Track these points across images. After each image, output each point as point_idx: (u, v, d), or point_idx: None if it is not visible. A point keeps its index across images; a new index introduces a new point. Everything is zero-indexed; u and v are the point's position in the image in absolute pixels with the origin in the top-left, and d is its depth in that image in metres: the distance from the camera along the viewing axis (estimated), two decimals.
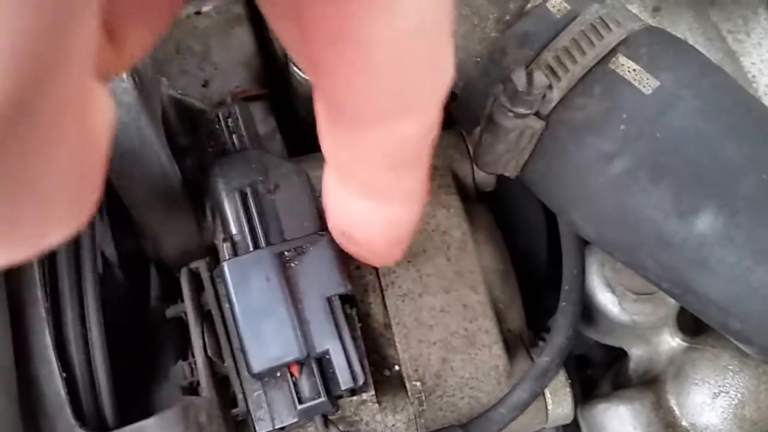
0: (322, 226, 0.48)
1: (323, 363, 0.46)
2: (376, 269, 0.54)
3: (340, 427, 0.49)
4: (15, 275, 0.41)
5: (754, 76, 0.69)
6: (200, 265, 0.49)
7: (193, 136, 0.58)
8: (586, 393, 0.71)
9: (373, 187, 0.34)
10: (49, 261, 0.44)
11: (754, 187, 0.41)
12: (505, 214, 0.67)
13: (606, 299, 0.59)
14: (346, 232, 0.38)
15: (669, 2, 0.66)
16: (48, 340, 0.41)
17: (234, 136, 0.53)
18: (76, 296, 0.44)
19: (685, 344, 0.58)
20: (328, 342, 0.45)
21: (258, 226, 0.48)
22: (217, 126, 0.54)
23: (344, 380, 0.45)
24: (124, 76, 0.43)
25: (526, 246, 0.71)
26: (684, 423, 0.55)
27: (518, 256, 0.65)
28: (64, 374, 0.42)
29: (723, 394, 0.54)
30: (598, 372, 0.74)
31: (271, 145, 0.64)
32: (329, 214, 0.37)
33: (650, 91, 0.43)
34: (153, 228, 0.54)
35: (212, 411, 0.45)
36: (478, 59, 0.50)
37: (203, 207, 0.55)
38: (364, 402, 0.50)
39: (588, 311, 0.61)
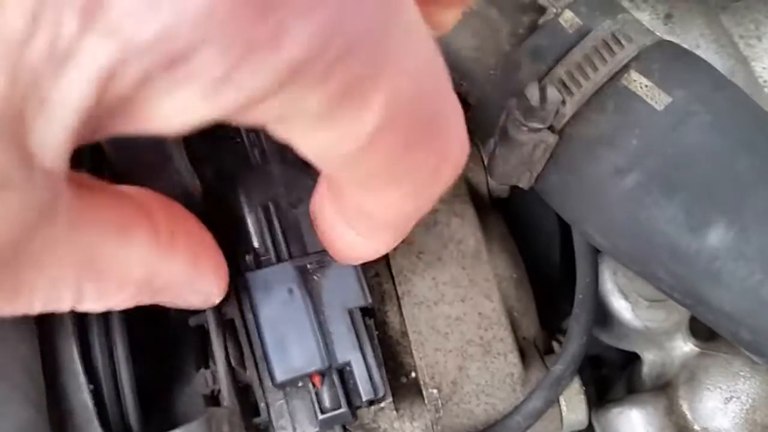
0: None
1: (344, 374, 0.47)
2: (392, 278, 0.55)
3: None
4: None
5: (765, 81, 0.70)
6: None
7: (212, 144, 0.59)
8: (600, 392, 0.72)
9: (368, 234, 0.39)
10: None
11: (765, 202, 0.42)
12: (520, 219, 0.68)
13: (620, 306, 0.60)
14: (334, 251, 0.43)
15: (681, 9, 0.67)
16: (75, 354, 0.43)
17: (255, 150, 0.54)
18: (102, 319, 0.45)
19: (697, 350, 0.59)
20: (349, 354, 0.46)
21: (281, 240, 0.50)
22: (239, 140, 0.55)
23: (365, 391, 0.46)
24: None
25: (540, 249, 0.72)
26: (696, 427, 0.56)
27: (533, 259, 0.66)
28: (91, 386, 0.43)
29: (735, 399, 0.55)
30: (613, 372, 0.75)
31: (289, 153, 0.65)
32: (321, 233, 0.43)
33: (662, 108, 0.44)
34: None
35: (234, 420, 0.46)
36: (492, 72, 0.51)
37: (223, 217, 0.57)
38: (382, 409, 0.52)
39: (602, 317, 0.62)
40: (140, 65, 0.21)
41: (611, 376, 0.75)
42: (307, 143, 0.28)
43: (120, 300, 0.35)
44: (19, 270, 0.29)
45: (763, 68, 0.70)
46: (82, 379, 0.42)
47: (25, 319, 0.41)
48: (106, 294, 0.34)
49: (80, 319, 0.44)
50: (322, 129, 0.26)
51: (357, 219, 0.38)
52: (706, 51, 0.66)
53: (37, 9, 0.20)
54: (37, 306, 0.31)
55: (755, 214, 0.42)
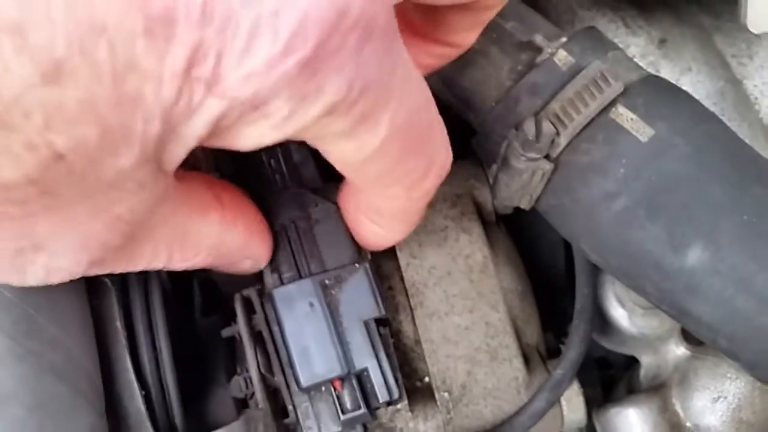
0: (357, 256, 0.55)
1: (362, 379, 0.52)
2: (405, 291, 0.60)
3: None
4: (98, 312, 0.49)
5: (756, 98, 0.74)
6: (251, 293, 0.55)
7: (240, 171, 0.64)
8: (607, 391, 0.77)
9: (383, 224, 0.50)
10: (122, 292, 0.51)
11: (736, 226, 0.47)
12: (527, 230, 0.73)
13: (617, 314, 0.65)
14: (360, 240, 0.54)
15: (674, 34, 0.71)
16: (129, 365, 0.48)
17: (277, 175, 0.60)
18: (147, 324, 0.51)
19: (689, 353, 0.64)
20: (366, 361, 0.52)
21: (302, 258, 0.55)
22: (263, 166, 0.60)
23: (381, 394, 0.52)
24: None
25: (546, 258, 0.77)
26: (688, 424, 0.61)
27: (540, 267, 0.71)
28: (143, 392, 0.49)
29: (722, 399, 0.60)
30: (618, 372, 0.80)
31: (306, 171, 0.70)
32: (350, 227, 0.54)
33: (646, 139, 0.49)
34: None
35: (268, 421, 0.51)
36: (494, 104, 0.56)
37: None
38: (398, 411, 0.57)
39: (603, 324, 0.68)
40: (239, 111, 0.31)
41: (617, 376, 0.80)
42: (334, 152, 0.39)
43: (196, 262, 0.46)
44: (139, 241, 0.39)
45: (755, 86, 0.74)
46: (135, 386, 0.48)
47: (86, 334, 0.46)
48: (188, 258, 0.45)
49: (131, 334, 0.50)
50: (346, 141, 0.37)
51: (372, 213, 0.50)
52: (698, 73, 0.70)
53: (182, 84, 0.29)
54: (140, 266, 0.42)
55: (728, 237, 0.47)
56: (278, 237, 0.56)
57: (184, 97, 0.30)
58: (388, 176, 0.42)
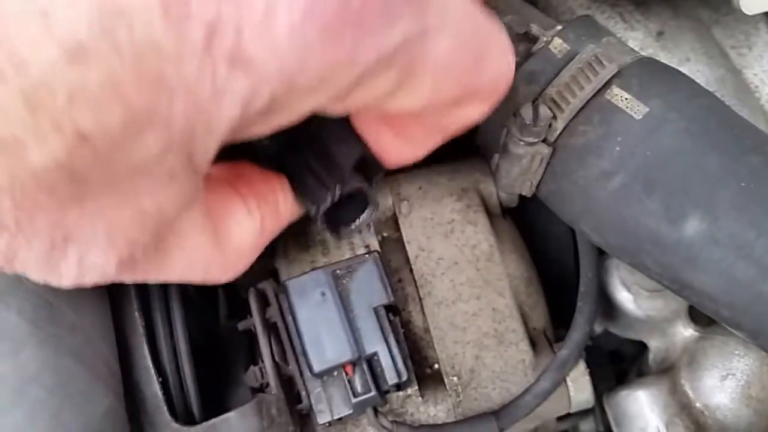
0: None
1: (373, 363, 0.54)
2: (414, 282, 0.62)
3: (389, 418, 0.57)
4: (117, 302, 0.51)
5: (756, 87, 0.75)
6: (266, 285, 0.57)
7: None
8: (622, 383, 0.78)
9: (422, 142, 0.49)
10: (142, 287, 0.53)
11: (733, 194, 0.48)
12: (535, 224, 0.74)
13: (623, 297, 0.66)
14: (391, 159, 0.50)
15: (671, 26, 0.73)
16: (146, 352, 0.50)
17: None
18: (166, 315, 0.53)
19: (697, 334, 0.65)
20: (376, 345, 0.54)
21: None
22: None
23: (390, 377, 0.53)
24: None
25: (554, 250, 0.78)
26: (698, 404, 0.62)
27: (549, 259, 0.72)
28: (160, 378, 0.50)
29: (730, 376, 0.60)
30: (631, 365, 0.81)
31: None
32: (381, 152, 0.50)
33: (640, 117, 0.50)
34: None
35: (281, 406, 0.53)
36: None
37: None
38: (409, 396, 0.58)
39: (610, 309, 0.69)
40: (269, 89, 0.31)
41: (630, 369, 0.81)
42: (388, 109, 0.39)
43: (242, 267, 0.46)
44: (166, 248, 0.39)
45: (754, 74, 0.76)
46: (152, 372, 0.50)
47: (105, 322, 0.48)
48: (229, 268, 0.45)
49: (149, 322, 0.52)
50: (395, 99, 0.38)
51: (404, 135, 0.48)
52: (697, 63, 0.72)
53: (203, 61, 0.29)
54: (177, 275, 0.42)
55: (725, 206, 0.48)
56: None
57: (207, 75, 0.30)
58: (454, 102, 0.42)
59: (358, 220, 0.55)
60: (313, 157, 0.51)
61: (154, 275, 0.41)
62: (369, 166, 0.51)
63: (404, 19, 0.33)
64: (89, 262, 0.36)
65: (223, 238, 0.43)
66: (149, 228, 0.36)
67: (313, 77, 0.32)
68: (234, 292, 0.71)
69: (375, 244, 0.62)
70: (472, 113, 0.44)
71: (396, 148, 0.49)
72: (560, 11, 0.74)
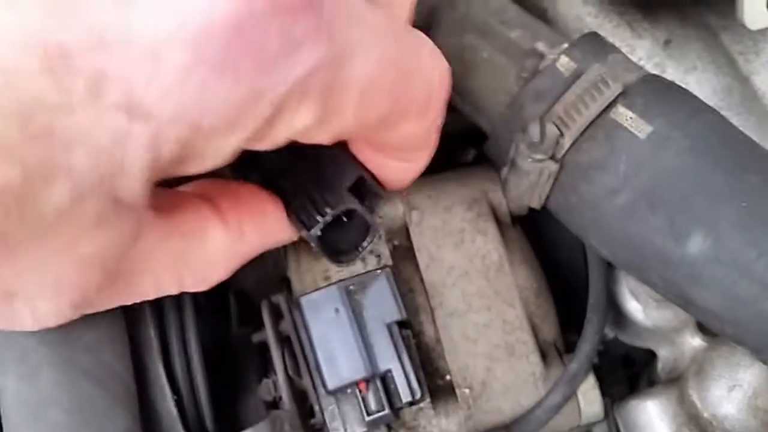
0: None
1: (386, 380, 0.55)
2: (425, 292, 0.63)
3: None
4: (132, 320, 0.52)
5: (764, 93, 0.75)
6: (279, 299, 0.58)
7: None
8: (633, 388, 0.78)
9: (404, 158, 0.50)
10: (156, 304, 0.54)
11: (735, 213, 0.48)
12: (545, 232, 0.75)
13: (632, 307, 0.67)
14: (391, 182, 0.53)
15: (678, 35, 0.73)
16: (161, 370, 0.51)
17: None
18: (180, 330, 0.54)
19: (705, 344, 0.66)
20: (389, 363, 0.55)
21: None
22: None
23: (404, 395, 0.54)
24: None
25: (565, 261, 0.79)
26: (705, 414, 0.62)
27: (560, 270, 0.73)
28: (174, 396, 0.51)
29: (737, 387, 0.61)
30: (642, 369, 0.81)
31: None
32: (380, 176, 0.52)
33: (644, 136, 0.51)
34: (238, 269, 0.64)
35: (294, 422, 0.54)
36: (502, 110, 0.58)
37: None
38: (421, 409, 0.59)
39: (619, 318, 0.69)
40: (175, 134, 0.32)
41: (641, 374, 0.81)
42: (325, 135, 0.40)
43: (218, 278, 0.47)
44: (131, 275, 0.40)
45: (762, 81, 0.76)
46: (167, 390, 0.51)
47: (120, 341, 0.49)
48: (205, 278, 0.46)
49: (163, 339, 0.53)
50: (327, 124, 0.38)
51: (393, 151, 0.49)
52: (704, 71, 0.72)
53: (97, 113, 0.30)
54: (151, 295, 0.43)
55: (728, 224, 0.48)
56: None
57: (103, 125, 0.30)
58: (388, 121, 0.42)
59: (360, 248, 0.57)
60: (309, 179, 0.52)
61: (121, 300, 0.42)
62: (369, 190, 0.52)
63: (307, 47, 0.33)
64: (42, 310, 0.37)
65: (193, 253, 0.44)
66: (96, 270, 0.37)
67: (218, 118, 0.32)
68: (246, 299, 0.72)
69: (386, 253, 0.63)
70: (412, 129, 0.45)
71: (398, 170, 0.52)
72: (569, 19, 0.74)
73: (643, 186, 0.51)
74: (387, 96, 0.40)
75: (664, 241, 0.50)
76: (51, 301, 0.37)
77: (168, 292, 0.44)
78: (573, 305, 0.70)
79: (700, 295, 0.50)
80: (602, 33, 0.71)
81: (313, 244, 0.52)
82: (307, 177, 0.52)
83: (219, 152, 0.35)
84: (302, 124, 0.37)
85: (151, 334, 0.52)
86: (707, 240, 0.48)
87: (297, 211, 0.51)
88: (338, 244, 0.56)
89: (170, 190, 0.45)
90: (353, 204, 0.51)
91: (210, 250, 0.45)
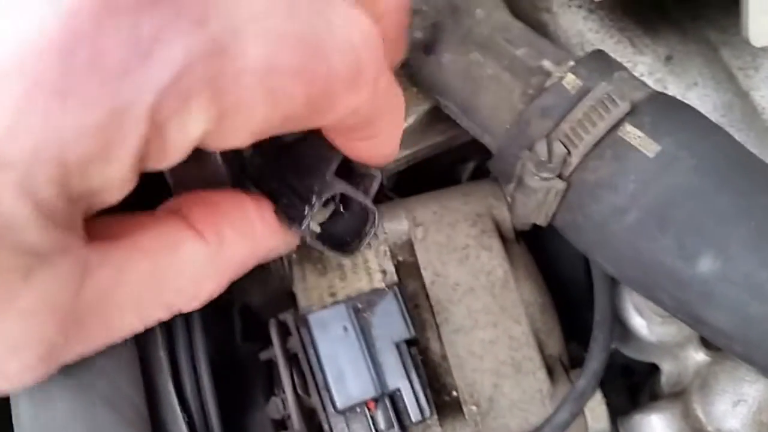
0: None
1: (395, 399, 0.55)
2: (431, 308, 0.63)
3: None
4: (142, 340, 0.52)
5: (763, 108, 0.76)
6: (287, 317, 0.58)
7: None
8: (632, 398, 0.79)
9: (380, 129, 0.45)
10: (166, 325, 0.54)
11: (745, 234, 0.49)
12: (547, 247, 0.75)
13: (636, 323, 0.67)
14: (370, 160, 0.48)
15: (679, 51, 0.74)
16: (171, 390, 0.51)
17: None
18: (188, 351, 0.54)
19: (708, 359, 0.66)
20: (398, 382, 0.55)
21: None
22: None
23: (414, 414, 0.55)
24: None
25: (567, 272, 0.79)
26: (710, 429, 0.63)
27: (561, 281, 0.73)
28: (185, 417, 0.51)
29: (742, 402, 0.61)
30: (642, 379, 0.82)
31: None
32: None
33: (653, 155, 0.51)
34: (241, 280, 0.64)
35: None
36: (508, 127, 0.58)
37: (281, 259, 0.65)
38: (428, 426, 0.59)
39: (623, 333, 0.70)
40: (41, 177, 0.29)
41: (641, 382, 0.82)
42: (241, 134, 0.36)
43: (208, 293, 0.43)
44: (97, 315, 0.36)
45: (762, 96, 0.76)
46: (178, 411, 0.51)
47: (132, 365, 0.49)
48: (193, 296, 0.42)
49: (173, 362, 0.53)
50: (230, 130, 0.34)
51: (348, 133, 0.44)
52: (704, 87, 0.73)
53: None
54: (138, 326, 0.40)
55: (738, 245, 0.49)
56: None
57: None
58: (316, 105, 0.37)
59: (364, 235, 0.53)
60: (291, 173, 0.49)
61: (104, 339, 0.38)
62: (359, 171, 0.50)
63: (168, 44, 0.30)
64: (11, 371, 0.35)
65: (170, 273, 0.40)
66: (47, 320, 0.34)
67: (83, 148, 0.29)
68: (251, 314, 0.72)
69: (391, 269, 0.63)
70: (353, 104, 0.39)
71: (370, 148, 0.47)
72: (570, 35, 0.75)
73: (652, 205, 0.51)
74: (298, 78, 0.35)
75: (673, 261, 0.50)
76: (15, 361, 0.35)
77: (157, 318, 0.41)
78: (573, 318, 0.70)
79: (711, 315, 0.50)
80: (603, 49, 0.72)
81: (309, 240, 0.48)
82: (289, 171, 0.49)
83: (112, 182, 0.32)
84: (200, 130, 0.33)
85: (161, 354, 0.52)
86: (717, 260, 0.49)
87: (285, 210, 0.47)
88: (341, 236, 0.52)
89: (134, 214, 0.41)
90: (340, 187, 0.47)
91: (189, 265, 0.41)
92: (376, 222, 0.52)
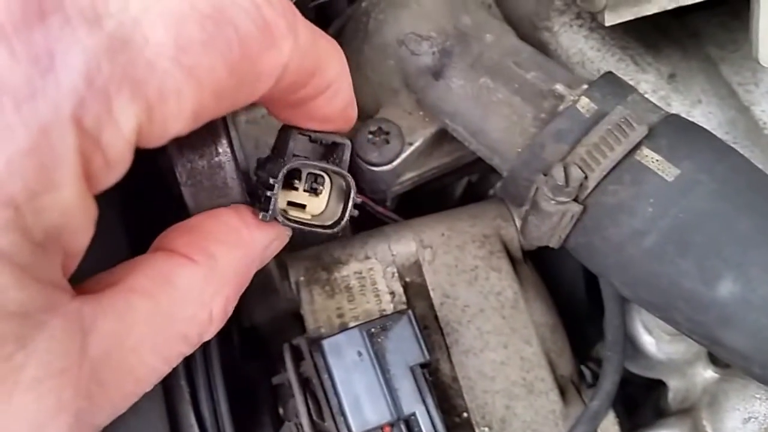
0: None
1: (410, 423, 0.55)
2: (441, 330, 0.63)
3: None
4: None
5: (765, 123, 0.77)
6: (301, 342, 0.58)
7: None
8: (628, 409, 0.79)
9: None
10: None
11: (766, 256, 0.49)
12: (546, 262, 0.76)
13: (645, 341, 0.67)
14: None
15: (682, 68, 0.74)
16: (193, 419, 0.51)
17: None
18: (206, 380, 0.54)
19: (717, 376, 0.66)
20: (414, 407, 0.55)
21: None
22: None
23: None
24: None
25: (567, 288, 0.80)
26: None
27: (561, 297, 0.73)
28: None
29: (752, 419, 0.62)
30: (637, 391, 0.82)
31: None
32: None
33: (672, 179, 0.51)
34: (248, 302, 0.64)
35: None
36: (519, 150, 0.59)
37: (289, 282, 0.65)
38: None
39: (632, 351, 0.70)
40: None
41: (636, 394, 0.82)
42: (185, 115, 0.35)
43: (222, 310, 0.42)
44: (112, 368, 0.35)
45: (762, 111, 0.77)
46: None
47: (154, 395, 0.49)
48: (208, 320, 0.41)
49: (193, 392, 0.52)
50: (167, 117, 0.34)
51: (294, 95, 0.43)
52: (708, 105, 0.73)
53: None
54: (162, 368, 0.39)
55: (758, 268, 0.49)
56: None
57: None
58: (245, 74, 0.37)
59: (346, 211, 0.50)
60: (260, 165, 0.50)
61: (128, 390, 0.38)
62: (324, 142, 0.49)
63: (71, 49, 0.30)
64: None
65: (174, 305, 0.40)
66: (62, 387, 0.33)
67: (22, 177, 0.29)
68: (249, 332, 0.71)
69: (399, 291, 0.63)
70: (271, 61, 0.38)
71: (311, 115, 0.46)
72: (571, 53, 0.75)
73: (671, 229, 0.51)
74: (211, 49, 0.34)
75: (693, 285, 0.50)
76: None
77: (179, 353, 0.41)
78: (573, 335, 0.70)
79: (729, 337, 0.50)
80: (605, 66, 0.72)
81: (282, 222, 0.47)
82: (259, 164, 0.50)
83: (71, 213, 0.31)
84: (132, 126, 0.32)
85: (182, 382, 0.51)
86: (737, 284, 0.49)
87: (258, 202, 0.47)
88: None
89: (122, 264, 0.41)
90: (296, 163, 0.47)
91: (189, 291, 0.41)
92: (353, 190, 0.50)
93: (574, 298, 0.80)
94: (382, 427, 0.54)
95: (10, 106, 0.28)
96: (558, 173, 0.52)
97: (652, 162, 0.52)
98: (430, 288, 0.64)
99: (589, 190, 0.54)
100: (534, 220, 0.57)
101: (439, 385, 0.62)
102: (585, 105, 0.56)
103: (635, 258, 0.53)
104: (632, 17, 0.62)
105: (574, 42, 0.75)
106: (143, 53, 0.32)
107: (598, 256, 0.56)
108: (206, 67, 0.34)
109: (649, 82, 0.72)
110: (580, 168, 0.53)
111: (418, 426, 0.55)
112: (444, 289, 0.64)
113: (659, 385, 0.73)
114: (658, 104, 0.60)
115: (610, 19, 0.62)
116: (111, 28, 0.31)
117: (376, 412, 0.54)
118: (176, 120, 0.34)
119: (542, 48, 0.73)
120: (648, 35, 0.75)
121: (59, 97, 0.29)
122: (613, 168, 0.53)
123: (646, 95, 0.71)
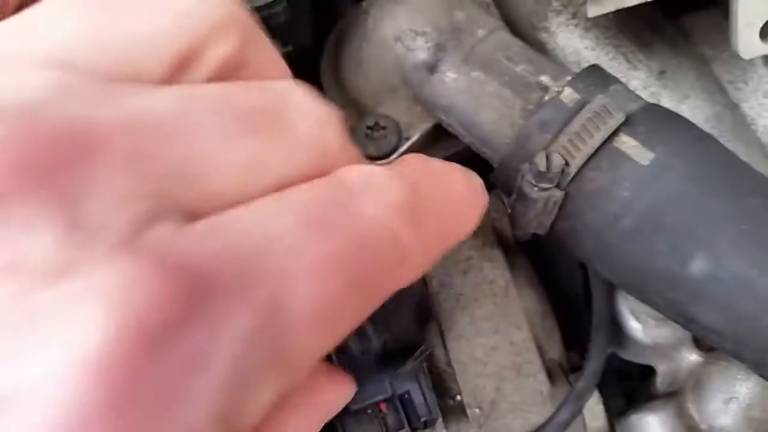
0: None
1: (405, 401, 0.58)
2: (436, 317, 0.65)
3: None
4: None
5: (753, 119, 0.79)
6: None
7: None
8: (630, 401, 0.81)
9: None
10: None
11: (735, 236, 0.51)
12: (545, 257, 0.78)
13: (632, 326, 0.70)
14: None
15: (672, 65, 0.77)
16: None
17: None
18: None
19: (701, 359, 0.69)
20: (408, 384, 0.57)
21: None
22: None
23: (422, 413, 0.57)
24: None
25: (565, 282, 0.82)
26: (703, 426, 0.65)
27: (559, 291, 0.76)
28: None
29: (734, 399, 0.64)
30: (638, 383, 0.84)
31: None
32: None
33: (647, 163, 0.54)
34: None
35: None
36: (508, 141, 0.61)
37: None
38: (434, 429, 0.62)
39: (619, 337, 0.72)
40: None
41: (636, 387, 0.84)
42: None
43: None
44: None
45: (750, 108, 0.79)
46: None
47: None
48: None
49: None
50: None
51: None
52: (696, 100, 0.75)
53: None
54: None
55: (727, 246, 0.51)
56: None
57: None
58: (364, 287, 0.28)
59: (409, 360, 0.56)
60: None
61: None
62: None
63: (232, 337, 0.23)
64: None
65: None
66: None
67: None
68: None
69: None
70: (396, 278, 0.30)
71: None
72: (567, 52, 0.78)
73: (646, 211, 0.53)
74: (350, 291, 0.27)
75: (667, 264, 0.53)
76: None
77: None
78: (571, 328, 0.73)
79: (702, 313, 0.53)
80: (599, 64, 0.75)
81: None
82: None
83: None
84: (269, 400, 0.25)
85: None
86: (707, 262, 0.51)
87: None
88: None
89: None
90: None
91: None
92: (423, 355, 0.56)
93: (571, 293, 0.83)
94: (377, 403, 0.57)
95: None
96: (540, 160, 0.55)
97: (629, 148, 0.55)
98: (426, 278, 0.67)
99: (570, 177, 0.56)
100: (520, 207, 0.60)
101: (434, 370, 0.65)
102: (568, 95, 0.58)
103: (613, 241, 0.55)
104: (614, 8, 0.64)
105: (571, 41, 0.78)
106: (288, 319, 0.25)
107: (581, 242, 0.59)
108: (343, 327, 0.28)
109: (639, 79, 0.75)
110: (562, 155, 0.56)
111: (411, 402, 0.58)
112: (440, 279, 0.67)
113: (653, 373, 0.76)
114: (648, 100, 0.62)
115: (593, 11, 0.64)
116: (262, 294, 0.24)
117: (374, 389, 0.57)
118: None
119: (540, 47, 0.76)
120: (641, 35, 0.77)
121: (200, 399, 0.23)
122: (593, 155, 0.56)
123: (636, 91, 0.74)
